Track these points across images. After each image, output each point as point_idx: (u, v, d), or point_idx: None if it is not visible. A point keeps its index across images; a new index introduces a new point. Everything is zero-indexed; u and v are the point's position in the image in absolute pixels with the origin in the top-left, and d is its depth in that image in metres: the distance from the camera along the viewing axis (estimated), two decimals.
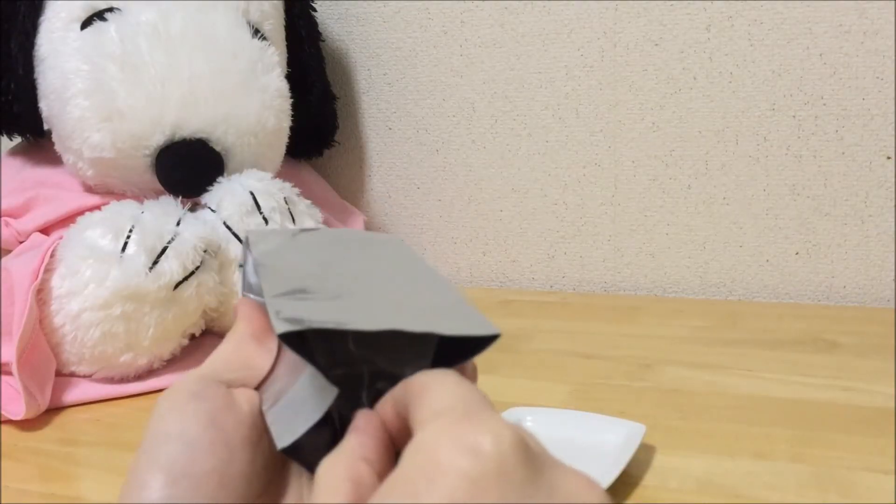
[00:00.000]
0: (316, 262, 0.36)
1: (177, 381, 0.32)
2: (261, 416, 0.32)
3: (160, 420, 0.30)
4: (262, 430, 0.32)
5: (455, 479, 0.24)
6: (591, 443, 0.54)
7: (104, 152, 0.74)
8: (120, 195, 0.78)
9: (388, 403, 0.30)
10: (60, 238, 0.73)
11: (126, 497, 0.29)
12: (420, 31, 0.95)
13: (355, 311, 0.31)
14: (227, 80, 0.77)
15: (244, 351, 0.34)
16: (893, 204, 0.82)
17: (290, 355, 0.34)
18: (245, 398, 0.32)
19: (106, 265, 0.68)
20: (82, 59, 0.75)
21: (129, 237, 0.69)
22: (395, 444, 0.29)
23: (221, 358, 0.34)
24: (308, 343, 0.31)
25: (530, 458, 0.25)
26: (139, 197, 0.77)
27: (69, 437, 0.66)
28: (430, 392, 0.28)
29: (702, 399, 0.64)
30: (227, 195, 0.74)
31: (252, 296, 0.37)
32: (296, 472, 0.33)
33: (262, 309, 0.34)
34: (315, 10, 0.93)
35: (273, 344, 0.35)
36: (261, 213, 0.74)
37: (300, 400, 0.32)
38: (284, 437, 0.31)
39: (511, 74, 0.92)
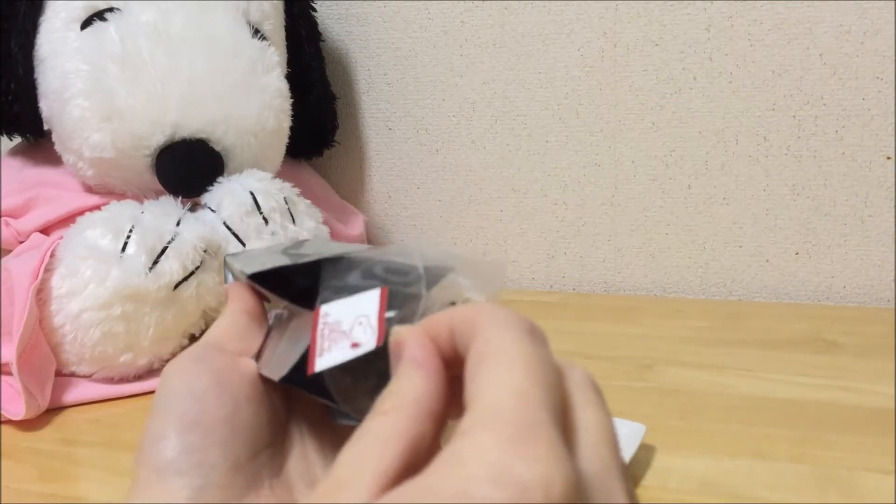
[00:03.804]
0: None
1: (181, 352, 0.34)
2: (261, 377, 0.34)
3: (168, 381, 0.32)
4: (263, 390, 0.33)
5: None
6: None
7: (104, 152, 0.74)
8: (120, 195, 0.78)
9: (444, 329, 0.27)
10: (60, 238, 0.72)
11: (144, 451, 0.31)
12: (420, 31, 0.94)
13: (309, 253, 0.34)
14: (228, 80, 0.77)
15: (239, 325, 0.36)
16: (893, 204, 0.82)
17: (277, 329, 0.36)
18: (245, 363, 0.34)
19: (106, 265, 0.68)
20: (82, 59, 0.75)
21: (129, 237, 0.69)
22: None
23: (219, 331, 0.35)
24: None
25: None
26: (139, 197, 0.77)
27: (69, 438, 0.66)
28: (491, 371, 0.24)
29: (702, 399, 0.64)
30: (227, 195, 0.74)
31: None
32: (296, 427, 0.35)
33: (251, 290, 0.37)
34: (315, 10, 0.93)
35: (264, 319, 0.37)
36: (261, 213, 0.74)
37: (287, 343, 0.34)
38: (279, 371, 0.32)
39: (511, 74, 0.92)
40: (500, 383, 0.23)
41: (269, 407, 0.34)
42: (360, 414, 0.30)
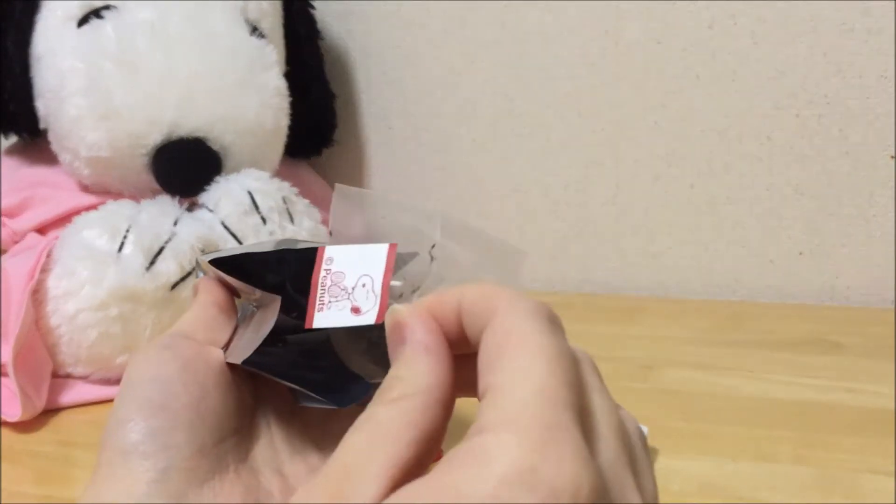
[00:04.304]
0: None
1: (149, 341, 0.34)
2: (228, 367, 0.34)
3: (135, 368, 0.32)
4: (230, 379, 0.33)
5: None
6: None
7: (101, 151, 0.74)
8: (117, 195, 0.77)
9: (450, 309, 0.26)
10: (56, 238, 0.72)
11: (109, 435, 0.31)
12: (420, 29, 0.94)
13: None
14: (225, 78, 0.76)
15: (207, 316, 0.36)
16: None
17: (244, 323, 0.37)
18: (213, 351, 0.34)
19: (102, 265, 0.68)
20: (79, 58, 0.74)
21: (125, 237, 0.69)
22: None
23: (187, 321, 0.36)
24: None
25: None
26: (136, 197, 0.77)
27: (66, 439, 0.66)
28: (512, 364, 0.23)
29: (704, 401, 0.64)
30: (224, 195, 0.74)
31: None
32: (264, 417, 0.35)
33: (221, 284, 0.37)
34: (314, 8, 0.93)
35: (233, 313, 0.37)
36: (259, 212, 0.73)
37: (252, 330, 0.34)
38: (242, 355, 0.33)
39: (512, 73, 0.92)
40: (522, 379, 0.23)
41: (237, 395, 0.34)
42: (352, 366, 0.31)
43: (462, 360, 0.26)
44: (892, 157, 0.81)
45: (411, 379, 0.25)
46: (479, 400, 0.24)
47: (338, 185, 0.32)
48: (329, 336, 0.33)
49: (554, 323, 0.25)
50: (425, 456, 0.24)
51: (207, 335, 0.35)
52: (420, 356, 0.25)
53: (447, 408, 0.25)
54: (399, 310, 0.27)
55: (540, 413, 0.22)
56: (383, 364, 0.29)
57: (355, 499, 0.22)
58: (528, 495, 0.20)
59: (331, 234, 0.32)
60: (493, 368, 0.24)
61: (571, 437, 0.22)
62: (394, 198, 0.32)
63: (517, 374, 0.23)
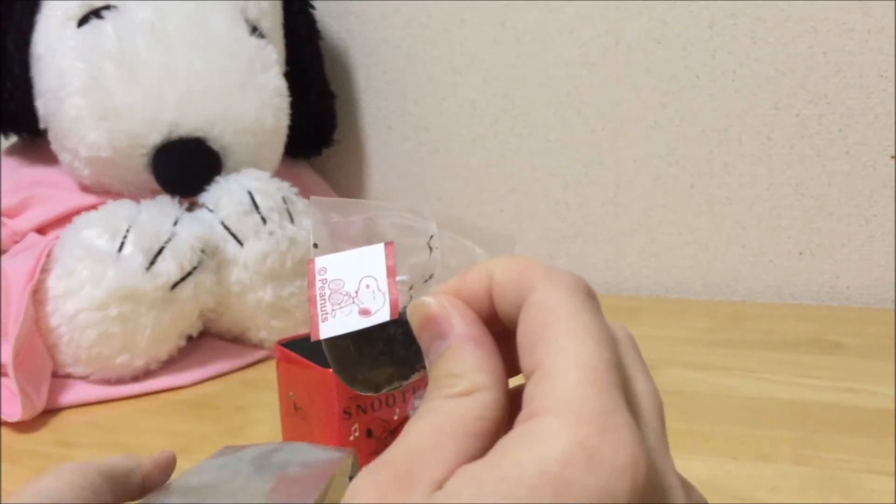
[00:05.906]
0: None
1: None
2: None
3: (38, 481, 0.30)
4: None
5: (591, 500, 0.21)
6: None
7: (101, 151, 0.74)
8: (116, 195, 0.77)
9: (481, 289, 0.26)
10: (56, 238, 0.72)
11: None
12: (420, 28, 0.94)
13: None
14: (225, 78, 0.76)
15: None
16: None
17: None
18: None
19: (102, 265, 0.68)
20: (79, 58, 0.74)
21: (125, 237, 0.69)
22: None
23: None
24: None
25: (660, 490, 0.23)
26: (136, 197, 0.77)
27: (65, 440, 0.65)
28: (557, 344, 0.23)
29: (704, 401, 0.64)
30: (224, 195, 0.74)
31: None
32: None
33: None
34: (314, 8, 0.93)
35: None
36: (259, 212, 0.73)
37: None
38: None
39: (512, 73, 0.92)
40: (570, 362, 0.23)
41: None
42: (356, 384, 0.29)
43: (496, 337, 0.26)
44: (892, 157, 0.81)
45: (471, 374, 0.24)
46: (525, 379, 0.24)
47: (312, 198, 0.30)
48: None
49: (592, 297, 0.25)
50: (489, 447, 0.23)
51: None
52: (469, 349, 0.25)
53: (508, 398, 0.25)
54: (428, 303, 0.26)
55: (592, 396, 0.22)
56: (402, 362, 0.28)
57: (422, 480, 0.22)
58: (591, 476, 0.21)
59: (315, 246, 0.30)
60: (537, 348, 0.24)
61: (625, 420, 0.22)
62: (372, 202, 0.31)
63: (563, 355, 0.23)
